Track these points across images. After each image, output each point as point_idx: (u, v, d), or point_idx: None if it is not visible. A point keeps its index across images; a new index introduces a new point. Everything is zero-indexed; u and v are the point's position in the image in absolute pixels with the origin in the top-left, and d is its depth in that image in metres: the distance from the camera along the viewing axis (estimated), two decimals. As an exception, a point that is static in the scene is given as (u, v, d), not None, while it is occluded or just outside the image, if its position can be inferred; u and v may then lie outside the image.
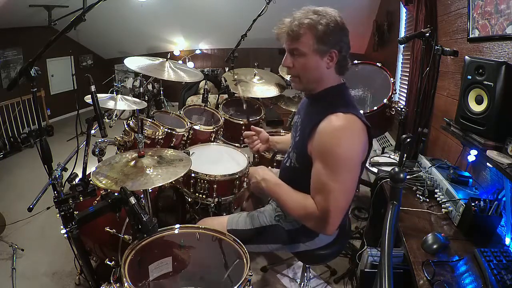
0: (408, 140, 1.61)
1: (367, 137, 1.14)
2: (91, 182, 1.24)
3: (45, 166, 1.25)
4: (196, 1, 4.62)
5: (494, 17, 1.58)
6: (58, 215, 1.16)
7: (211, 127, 2.32)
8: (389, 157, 2.29)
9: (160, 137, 2.01)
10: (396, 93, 2.36)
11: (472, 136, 1.46)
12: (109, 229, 1.50)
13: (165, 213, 2.02)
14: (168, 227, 1.24)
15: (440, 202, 1.47)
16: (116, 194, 1.18)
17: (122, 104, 1.97)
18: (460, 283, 1.04)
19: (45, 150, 1.25)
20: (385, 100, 2.10)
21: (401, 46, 3.46)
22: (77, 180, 1.32)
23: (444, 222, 1.38)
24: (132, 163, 1.36)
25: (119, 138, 1.96)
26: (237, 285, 1.00)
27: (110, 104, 1.93)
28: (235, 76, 2.56)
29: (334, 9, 1.16)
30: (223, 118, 2.45)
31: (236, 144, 2.47)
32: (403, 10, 3.38)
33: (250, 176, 1.37)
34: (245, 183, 1.84)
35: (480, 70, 1.40)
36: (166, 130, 2.06)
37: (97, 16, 4.41)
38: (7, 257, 2.09)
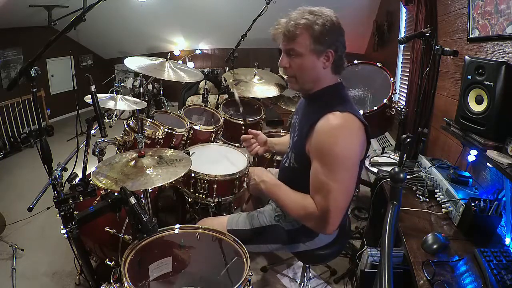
0: (408, 140, 1.61)
1: (365, 136, 1.14)
2: (91, 182, 1.24)
3: (45, 166, 1.25)
4: (196, 1, 4.62)
5: (494, 17, 1.58)
6: (58, 215, 1.16)
7: (211, 127, 2.32)
8: (389, 157, 2.29)
9: (160, 137, 2.02)
10: (396, 93, 2.36)
11: (472, 136, 1.46)
12: (109, 229, 1.50)
13: (165, 213, 2.02)
14: (168, 227, 1.24)
15: (440, 202, 1.47)
16: (116, 194, 1.18)
17: (122, 104, 1.97)
18: (460, 283, 1.04)
19: (45, 150, 1.25)
20: (385, 100, 2.10)
21: (401, 46, 3.46)
22: (77, 180, 1.32)
23: (444, 222, 1.38)
24: (132, 163, 1.36)
25: (119, 138, 1.96)
26: (237, 285, 1.00)
27: (110, 104, 1.93)
28: (236, 76, 2.56)
29: (334, 9, 1.16)
30: (223, 118, 2.45)
31: (236, 144, 2.47)
32: (403, 10, 3.38)
33: (249, 178, 1.38)
34: (245, 183, 1.84)
35: (480, 70, 1.40)
36: (166, 130, 2.06)
37: (97, 16, 4.41)
38: (7, 257, 2.09)
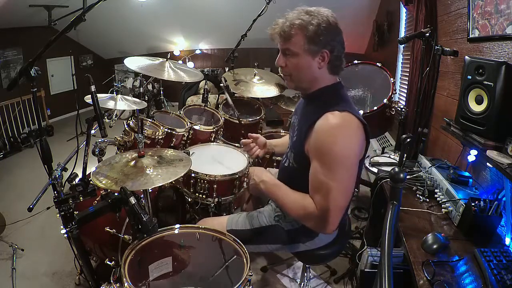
0: (408, 140, 1.61)
1: (364, 135, 1.14)
2: (91, 182, 1.24)
3: (45, 166, 1.25)
4: (196, 1, 4.62)
5: (494, 17, 1.58)
6: (58, 215, 1.16)
7: (211, 127, 2.32)
8: (389, 157, 2.29)
9: (160, 137, 2.01)
10: (396, 93, 2.36)
11: (472, 136, 1.46)
12: (109, 229, 1.50)
13: (165, 213, 2.02)
14: (168, 227, 1.24)
15: (440, 202, 1.47)
16: (116, 194, 1.18)
17: (122, 104, 1.97)
18: (460, 283, 1.04)
19: (45, 150, 1.25)
20: (385, 100, 2.10)
21: (401, 46, 3.46)
22: (77, 180, 1.32)
23: (444, 222, 1.38)
24: (132, 163, 1.36)
25: (119, 138, 1.96)
26: (237, 285, 1.00)
27: (110, 104, 1.93)
28: (236, 76, 2.56)
29: (333, 9, 1.16)
30: (223, 118, 2.45)
31: (236, 144, 2.46)
32: (403, 10, 3.38)
33: (249, 178, 1.38)
34: (245, 183, 1.84)
35: (480, 70, 1.40)
36: (166, 130, 2.06)
37: (97, 16, 4.41)
38: (7, 257, 2.09)
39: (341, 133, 1.08)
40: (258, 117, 2.57)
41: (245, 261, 1.09)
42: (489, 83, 1.34)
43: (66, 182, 1.31)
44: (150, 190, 1.45)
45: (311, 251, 1.37)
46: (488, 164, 1.34)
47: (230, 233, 1.24)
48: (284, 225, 1.35)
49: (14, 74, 4.39)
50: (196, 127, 2.27)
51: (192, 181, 1.76)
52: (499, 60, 1.37)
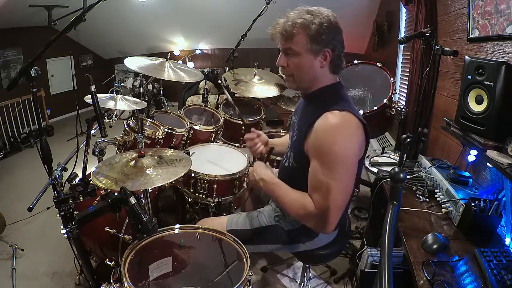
0: (408, 140, 1.61)
1: (364, 135, 1.14)
2: (91, 182, 1.24)
3: (45, 166, 1.25)
4: (196, 1, 4.62)
5: (494, 17, 1.58)
6: (58, 215, 1.16)
7: (211, 127, 2.32)
8: (389, 157, 2.29)
9: (160, 137, 2.02)
10: (396, 93, 2.36)
11: (472, 136, 1.46)
12: (109, 229, 1.51)
13: (165, 213, 2.02)
14: (168, 227, 1.24)
15: (440, 202, 1.47)
16: (116, 194, 1.18)
17: (122, 104, 1.97)
18: (460, 283, 1.04)
19: (45, 150, 1.25)
20: (385, 100, 2.10)
21: (401, 46, 3.46)
22: (77, 180, 1.32)
23: (444, 222, 1.38)
24: (132, 163, 1.36)
25: (119, 138, 1.96)
26: (237, 285, 1.00)
27: (110, 104, 1.93)
28: (236, 76, 2.56)
29: (333, 9, 1.16)
30: (223, 118, 2.45)
31: (236, 144, 2.47)
32: (403, 10, 3.38)
33: (250, 174, 1.38)
34: (245, 183, 1.84)
35: (480, 70, 1.40)
36: (166, 130, 2.06)
37: (97, 16, 4.41)
38: (7, 257, 2.09)
39: (341, 132, 1.08)
40: (258, 117, 2.57)
41: (245, 261, 1.09)
42: (489, 83, 1.34)
43: (66, 182, 1.31)
44: (150, 190, 1.45)
45: (311, 251, 1.37)
46: (488, 164, 1.34)
47: (230, 233, 1.24)
48: (284, 225, 1.35)
49: (14, 74, 4.39)
50: (196, 127, 2.27)
51: (192, 181, 1.76)
52: (499, 60, 1.37)
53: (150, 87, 5.17)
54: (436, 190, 1.55)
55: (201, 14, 4.90)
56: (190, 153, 1.69)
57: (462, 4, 1.94)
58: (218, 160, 1.94)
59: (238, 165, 1.87)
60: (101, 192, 1.50)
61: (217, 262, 1.27)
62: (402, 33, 3.47)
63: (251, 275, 1.05)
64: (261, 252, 2.14)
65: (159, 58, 2.30)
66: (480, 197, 1.28)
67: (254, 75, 2.59)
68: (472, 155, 1.59)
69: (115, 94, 2.03)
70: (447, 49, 1.80)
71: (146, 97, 3.85)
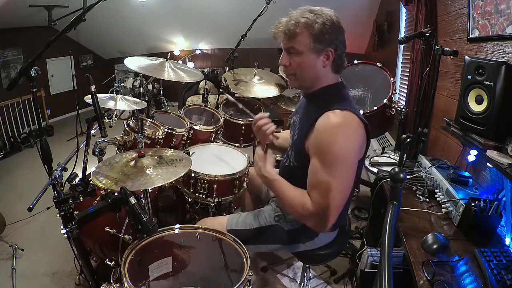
0: (408, 140, 1.61)
1: (365, 134, 1.14)
2: (91, 182, 1.24)
3: (45, 166, 1.25)
4: (196, 1, 4.62)
5: (494, 17, 1.58)
6: (58, 215, 1.16)
7: (211, 127, 2.32)
8: (389, 157, 2.29)
9: (160, 137, 2.02)
10: (396, 93, 2.35)
11: (472, 136, 1.46)
12: (109, 229, 1.50)
13: (165, 213, 2.02)
14: (168, 227, 1.24)
15: (440, 202, 1.47)
16: (116, 194, 1.18)
17: (122, 104, 1.97)
18: (460, 283, 1.04)
19: (45, 150, 1.25)
20: (385, 100, 2.10)
21: (401, 46, 3.46)
22: (77, 180, 1.32)
23: (444, 222, 1.38)
24: (132, 163, 1.36)
25: (119, 138, 1.96)
26: (237, 285, 1.00)
27: (110, 104, 1.93)
28: (236, 76, 2.56)
29: (333, 9, 1.16)
30: (223, 118, 2.45)
31: (236, 144, 2.47)
32: (403, 10, 3.38)
33: (254, 163, 1.35)
34: (245, 183, 1.84)
35: (480, 70, 1.40)
36: (166, 130, 2.06)
37: (97, 16, 4.41)
38: (7, 257, 2.09)
39: (342, 131, 1.08)
40: (258, 117, 2.57)
41: (245, 261, 1.09)
42: (489, 83, 1.34)
43: (66, 182, 1.31)
44: (150, 190, 1.45)
45: (311, 251, 1.37)
46: (488, 164, 1.34)
47: (230, 233, 1.24)
48: (284, 225, 1.35)
49: (14, 74, 4.39)
50: (196, 127, 2.27)
51: (192, 181, 1.76)
52: (499, 60, 1.37)
53: (150, 87, 5.17)
54: (436, 190, 1.55)
55: (201, 14, 4.90)
56: (190, 153, 1.69)
57: (462, 4, 1.94)
58: (218, 160, 1.94)
59: (238, 165, 1.87)
60: (101, 192, 1.50)
61: (217, 262, 1.27)
62: (402, 33, 3.47)
63: (251, 275, 1.05)
64: (261, 252, 2.14)
65: (159, 58, 2.30)
66: (480, 197, 1.28)
67: (254, 75, 2.59)
68: (472, 155, 1.59)
69: (115, 94, 2.03)
70: (447, 49, 1.80)
71: (146, 97, 3.85)
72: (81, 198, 1.24)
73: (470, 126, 1.47)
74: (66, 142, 4.23)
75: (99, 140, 1.71)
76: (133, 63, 2.11)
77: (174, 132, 2.09)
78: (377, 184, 1.73)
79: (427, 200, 1.53)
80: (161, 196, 1.93)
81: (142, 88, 3.06)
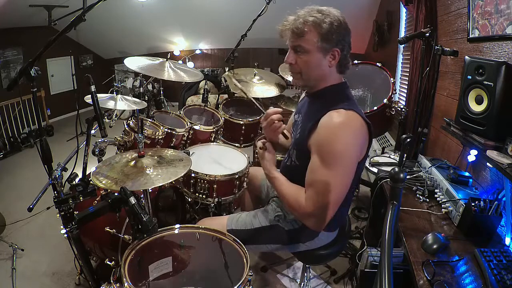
0: (408, 140, 1.61)
1: (368, 135, 1.14)
2: (91, 182, 1.24)
3: (45, 166, 1.25)
4: (196, 1, 4.62)
5: (494, 17, 1.58)
6: (58, 215, 1.16)
7: (211, 127, 2.32)
8: (389, 157, 2.29)
9: (160, 137, 2.02)
10: (396, 93, 2.36)
11: (472, 136, 1.46)
12: (109, 229, 1.50)
13: (165, 213, 2.02)
14: (168, 227, 1.24)
15: (440, 202, 1.47)
16: (116, 194, 1.18)
17: (122, 104, 1.98)
18: (460, 283, 1.04)
19: (45, 150, 1.25)
20: (385, 100, 2.10)
21: (401, 46, 3.46)
22: (77, 180, 1.32)
23: (444, 222, 1.38)
24: (132, 163, 1.36)
25: (119, 138, 1.96)
26: (237, 285, 1.00)
27: (110, 104, 1.93)
28: (236, 76, 2.56)
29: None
30: (223, 118, 2.45)
31: (236, 144, 2.47)
32: (403, 10, 3.38)
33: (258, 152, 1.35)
34: (245, 183, 1.84)
35: (480, 70, 1.40)
36: (166, 130, 2.06)
37: (97, 16, 4.40)
38: (7, 257, 2.09)
39: (344, 131, 1.08)
40: (258, 117, 2.57)
41: (245, 261, 1.09)
42: (489, 83, 1.34)
43: (66, 182, 1.31)
44: (150, 190, 1.45)
45: (311, 251, 1.37)
46: (488, 164, 1.34)
47: (230, 233, 1.24)
48: (284, 225, 1.35)
49: (14, 74, 4.39)
50: (196, 127, 2.27)
51: (192, 181, 1.76)
52: (499, 60, 1.37)
53: (150, 87, 5.17)
54: (436, 190, 1.55)
55: (201, 14, 4.90)
56: (190, 153, 1.68)
57: (462, 4, 1.94)
58: (218, 160, 1.94)
59: (238, 165, 1.87)
60: (101, 192, 1.50)
61: (217, 262, 1.27)
62: (402, 33, 3.47)
63: (251, 275, 1.05)
64: (261, 252, 2.14)
65: (159, 58, 2.30)
66: (480, 197, 1.28)
67: (254, 75, 2.59)
68: (472, 155, 1.59)
69: (115, 94, 2.03)
70: (447, 49, 1.80)
71: (146, 97, 3.85)
72: (81, 198, 1.24)
73: (470, 126, 1.47)
74: (66, 142, 4.23)
75: (99, 140, 1.72)
76: (133, 63, 2.11)
77: (174, 132, 2.09)
78: (377, 184, 1.73)
79: (427, 200, 1.53)
80: (161, 196, 1.93)
81: (142, 88, 3.07)
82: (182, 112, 2.42)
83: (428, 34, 1.90)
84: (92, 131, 1.41)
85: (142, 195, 1.35)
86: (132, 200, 1.08)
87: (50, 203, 1.27)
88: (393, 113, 2.17)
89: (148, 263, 1.19)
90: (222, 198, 1.78)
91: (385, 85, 2.23)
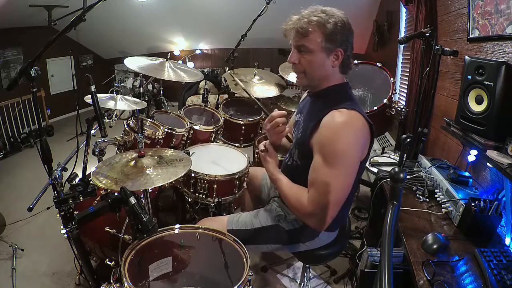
0: (408, 140, 1.61)
1: (370, 135, 1.15)
2: (91, 182, 1.24)
3: (45, 166, 1.25)
4: (196, 1, 4.62)
5: (494, 17, 1.57)
6: (58, 215, 1.16)
7: (211, 127, 2.32)
8: (389, 157, 2.28)
9: (160, 137, 2.02)
10: (396, 93, 2.36)
11: (472, 136, 1.46)
12: (109, 229, 1.50)
13: (165, 213, 2.02)
14: (168, 227, 1.24)
15: (440, 202, 1.47)
16: (116, 194, 1.18)
17: (122, 104, 1.98)
18: (460, 283, 1.04)
19: (45, 150, 1.25)
20: (385, 100, 2.10)
21: (401, 46, 3.46)
22: (77, 180, 1.32)
23: (444, 222, 1.38)
24: (132, 163, 1.36)
25: (119, 138, 1.96)
26: (237, 285, 1.00)
27: (110, 104, 1.93)
28: (236, 76, 2.56)
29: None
30: (223, 118, 2.45)
31: (236, 144, 2.47)
32: (403, 10, 3.38)
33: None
34: (245, 183, 1.84)
35: (480, 70, 1.40)
36: (166, 130, 2.06)
37: (97, 16, 4.40)
38: (7, 257, 2.09)
39: (346, 130, 1.09)
40: (258, 117, 2.57)
41: (245, 261, 1.09)
42: (489, 83, 1.34)
43: (66, 182, 1.31)
44: (150, 190, 1.45)
45: (311, 251, 1.37)
46: (488, 164, 1.34)
47: (231, 233, 1.24)
48: (285, 225, 1.35)
49: (14, 74, 4.39)
50: (196, 127, 2.27)
51: (192, 181, 1.76)
52: (499, 60, 1.37)
53: (150, 87, 5.17)
54: (436, 190, 1.55)
55: (201, 14, 4.90)
56: (190, 153, 1.68)
57: (462, 4, 1.94)
58: (218, 160, 1.94)
59: (238, 165, 1.87)
60: (101, 192, 1.50)
61: (217, 262, 1.27)
62: (402, 33, 3.47)
63: (251, 275, 1.05)
64: (261, 252, 2.14)
65: (159, 58, 2.30)
66: (480, 197, 1.28)
67: (254, 75, 2.59)
68: (472, 155, 1.59)
69: (115, 94, 2.03)
70: (447, 49, 1.80)
71: (146, 97, 3.85)
72: (81, 198, 1.24)
73: (470, 126, 1.47)
74: (66, 142, 4.23)
75: (99, 140, 1.72)
76: (133, 63, 2.11)
77: (174, 132, 2.09)
78: (377, 184, 1.73)
79: (427, 200, 1.53)
80: (161, 196, 1.93)
81: (142, 88, 3.07)
82: (182, 112, 2.42)
83: (428, 34, 1.90)
84: (92, 131, 1.41)
85: (142, 195, 1.35)
86: (132, 200, 1.08)
87: (50, 203, 1.27)
88: (393, 113, 2.17)
89: (148, 263, 1.19)
90: (222, 198, 1.78)
91: (385, 85, 2.23)
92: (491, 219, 1.24)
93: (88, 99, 1.48)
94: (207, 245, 1.26)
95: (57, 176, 1.21)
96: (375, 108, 2.10)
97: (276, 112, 1.27)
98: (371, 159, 2.23)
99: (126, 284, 0.98)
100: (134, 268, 1.10)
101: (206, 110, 2.58)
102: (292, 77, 2.54)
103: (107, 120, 2.01)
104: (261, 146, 1.33)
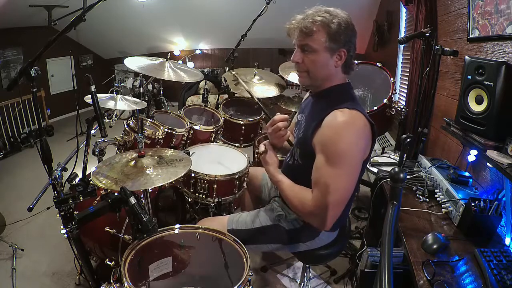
0: (408, 140, 1.61)
1: (371, 135, 1.15)
2: (91, 182, 1.24)
3: (45, 166, 1.25)
4: (196, 1, 4.62)
5: (494, 17, 1.58)
6: (58, 215, 1.16)
7: (211, 127, 2.32)
8: (389, 157, 2.28)
9: (160, 137, 2.02)
10: (396, 93, 2.36)
11: (472, 136, 1.46)
12: (109, 229, 1.50)
13: (165, 213, 2.02)
14: (168, 227, 1.24)
15: (440, 202, 1.47)
16: (116, 194, 1.18)
17: (122, 104, 1.98)
18: (460, 283, 1.04)
19: (45, 150, 1.25)
20: (385, 100, 2.10)
21: (401, 46, 3.46)
22: (77, 180, 1.32)
23: (444, 222, 1.38)
24: (132, 163, 1.36)
25: (119, 138, 1.96)
26: (237, 285, 1.00)
27: (110, 104, 1.93)
28: (238, 77, 2.56)
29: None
30: (223, 118, 2.45)
31: (236, 144, 2.47)
32: (403, 10, 3.38)
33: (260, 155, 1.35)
34: (245, 183, 1.84)
35: (480, 70, 1.40)
36: (166, 130, 2.06)
37: (97, 16, 4.40)
38: (7, 257, 2.09)
39: (348, 130, 1.09)
40: (258, 117, 2.57)
41: (245, 261, 1.09)
42: (489, 83, 1.34)
43: (66, 182, 1.31)
44: (150, 190, 1.45)
45: (312, 251, 1.37)
46: (488, 164, 1.34)
47: (231, 233, 1.24)
48: (285, 224, 1.35)
49: (14, 74, 4.39)
50: (196, 127, 2.27)
51: (192, 181, 1.76)
52: (499, 60, 1.37)
53: (150, 87, 5.17)
54: (436, 190, 1.55)
55: (201, 14, 4.90)
56: (190, 153, 1.68)
57: (462, 4, 1.94)
58: (218, 160, 1.94)
59: (238, 165, 1.87)
60: (101, 192, 1.50)
61: (217, 262, 1.27)
62: (402, 33, 3.47)
63: (251, 275, 1.05)
64: (261, 252, 2.14)
65: (159, 58, 2.30)
66: (480, 197, 1.28)
67: (254, 75, 2.59)
68: (472, 155, 1.59)
69: (115, 94, 2.03)
70: (447, 49, 1.80)
71: (146, 97, 3.85)
72: (81, 198, 1.24)
73: (470, 126, 1.47)
74: (66, 142, 4.23)
75: (99, 140, 1.72)
76: (133, 63, 2.11)
77: (174, 132, 2.09)
78: (377, 184, 1.73)
79: (427, 200, 1.53)
80: (161, 196, 1.93)
81: (142, 88, 3.07)
82: (182, 112, 2.42)
83: (428, 34, 1.90)
84: (92, 131, 1.41)
85: (142, 195, 1.35)
86: (132, 200, 1.08)
87: (50, 203, 1.27)
88: (393, 113, 2.17)
89: (148, 263, 1.19)
90: (222, 198, 1.78)
91: (385, 85, 2.23)
92: (491, 219, 1.24)
93: (88, 99, 1.48)
94: (207, 245, 1.26)
95: (57, 176, 1.21)
96: (375, 108, 2.10)
97: (278, 116, 1.28)
98: (371, 159, 2.23)
99: (126, 284, 0.98)
100: (134, 268, 1.10)
101: (206, 110, 2.58)
102: (292, 77, 2.54)
103: (107, 120, 2.01)
104: (262, 147, 1.33)
